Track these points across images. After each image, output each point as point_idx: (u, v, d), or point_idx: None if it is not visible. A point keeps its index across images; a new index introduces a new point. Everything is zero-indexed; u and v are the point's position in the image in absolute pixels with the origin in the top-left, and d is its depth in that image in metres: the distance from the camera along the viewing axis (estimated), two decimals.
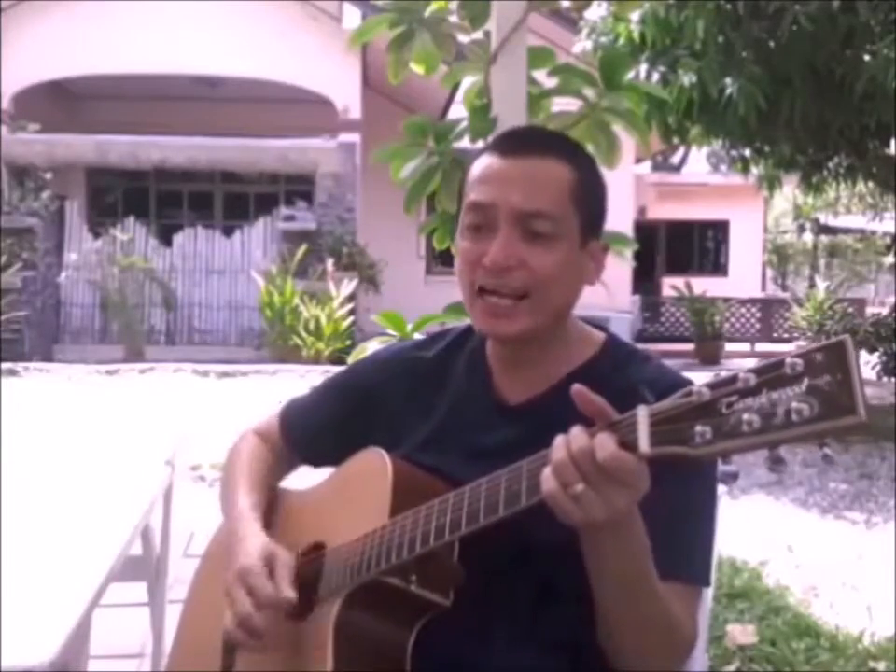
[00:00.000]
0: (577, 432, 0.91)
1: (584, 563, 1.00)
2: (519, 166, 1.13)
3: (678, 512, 1.06)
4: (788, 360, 0.77)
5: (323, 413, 1.35)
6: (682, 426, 0.83)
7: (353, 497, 1.19)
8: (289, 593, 1.09)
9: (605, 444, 0.88)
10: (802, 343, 13.09)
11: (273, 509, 1.32)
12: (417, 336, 2.13)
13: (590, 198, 1.16)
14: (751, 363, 0.83)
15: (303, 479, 1.39)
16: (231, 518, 1.27)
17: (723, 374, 0.83)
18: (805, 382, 0.76)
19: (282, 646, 1.12)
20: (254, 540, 1.18)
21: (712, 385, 0.83)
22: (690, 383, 1.08)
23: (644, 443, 0.85)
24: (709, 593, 1.24)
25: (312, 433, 1.36)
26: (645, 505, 0.93)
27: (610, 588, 1.01)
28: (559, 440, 0.91)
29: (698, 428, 0.82)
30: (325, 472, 1.31)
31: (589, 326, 1.24)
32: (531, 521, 0.94)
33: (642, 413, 0.87)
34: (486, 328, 1.16)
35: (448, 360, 1.27)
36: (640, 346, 1.30)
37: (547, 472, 0.90)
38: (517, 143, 1.17)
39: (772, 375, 0.78)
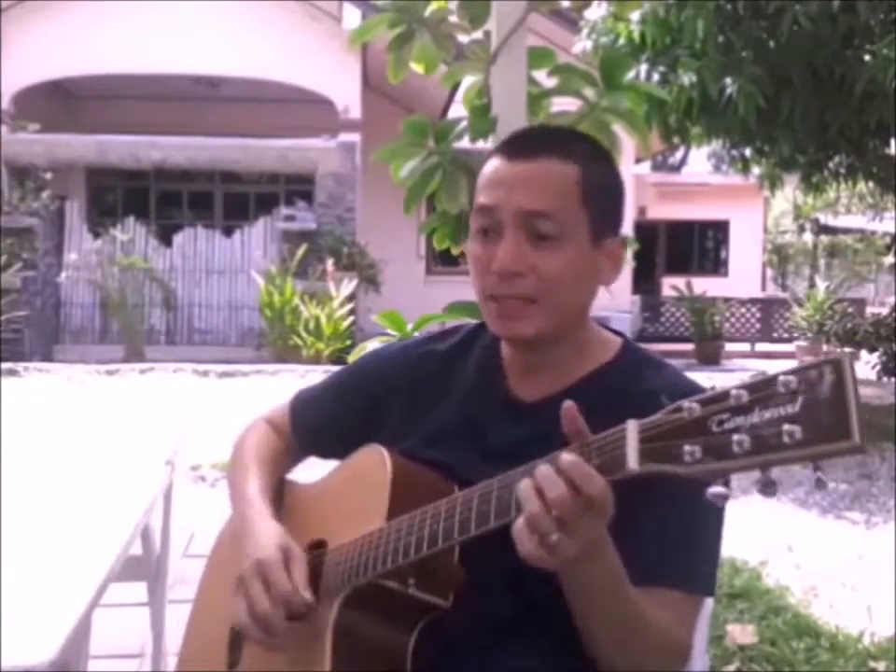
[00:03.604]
0: (546, 474, 0.86)
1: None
2: (521, 168, 1.11)
3: (670, 521, 1.04)
4: (781, 377, 0.74)
5: (332, 406, 1.34)
6: (671, 443, 0.80)
7: (352, 495, 1.18)
8: (307, 593, 1.08)
9: (590, 479, 0.84)
10: (802, 343, 13.09)
11: (279, 500, 1.31)
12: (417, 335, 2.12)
13: (600, 195, 1.13)
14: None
15: (313, 470, 1.39)
16: (240, 504, 1.26)
17: (715, 389, 0.80)
18: (799, 401, 0.73)
19: (282, 645, 1.12)
20: (268, 531, 1.17)
21: (703, 401, 0.80)
22: (705, 390, 1.06)
23: (633, 461, 0.82)
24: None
25: (320, 425, 1.36)
26: (636, 515, 0.91)
27: (586, 601, 1.00)
28: (528, 489, 0.87)
29: (687, 447, 0.78)
30: (331, 464, 1.30)
31: (605, 330, 1.23)
32: None
33: (631, 429, 0.84)
34: (500, 330, 1.15)
35: (460, 355, 1.26)
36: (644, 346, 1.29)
37: (520, 526, 0.86)
38: (521, 145, 1.16)
39: (764, 393, 0.75)
